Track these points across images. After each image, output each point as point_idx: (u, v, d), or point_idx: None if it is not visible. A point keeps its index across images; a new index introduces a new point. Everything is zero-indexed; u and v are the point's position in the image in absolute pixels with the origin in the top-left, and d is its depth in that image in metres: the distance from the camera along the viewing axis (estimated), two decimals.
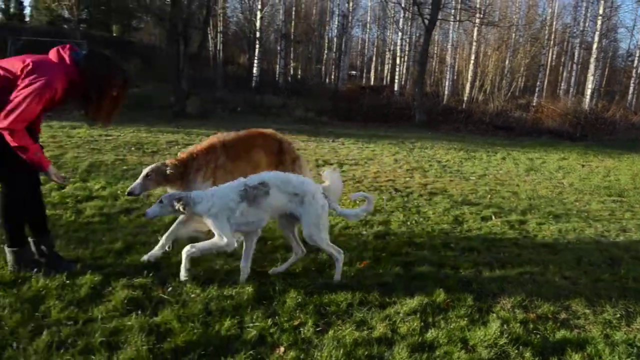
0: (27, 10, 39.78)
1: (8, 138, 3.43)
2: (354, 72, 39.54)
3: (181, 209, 3.78)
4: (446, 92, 26.77)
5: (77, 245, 4.49)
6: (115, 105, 3.85)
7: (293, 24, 32.82)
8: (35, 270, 3.80)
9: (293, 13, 32.81)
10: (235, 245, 3.94)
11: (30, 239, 3.99)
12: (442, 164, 10.87)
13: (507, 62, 26.87)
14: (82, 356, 2.89)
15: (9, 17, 38.70)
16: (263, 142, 4.88)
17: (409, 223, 6.03)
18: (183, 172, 4.43)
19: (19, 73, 3.46)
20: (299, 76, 34.00)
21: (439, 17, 21.36)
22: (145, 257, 4.19)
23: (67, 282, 3.72)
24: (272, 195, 3.90)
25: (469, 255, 5.08)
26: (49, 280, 3.70)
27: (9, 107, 3.38)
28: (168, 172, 4.29)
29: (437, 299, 3.92)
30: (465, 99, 25.17)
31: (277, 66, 30.24)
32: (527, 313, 3.84)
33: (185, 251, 3.87)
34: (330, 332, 3.35)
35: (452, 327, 3.55)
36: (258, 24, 26.31)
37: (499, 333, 3.47)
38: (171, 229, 4.37)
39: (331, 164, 9.55)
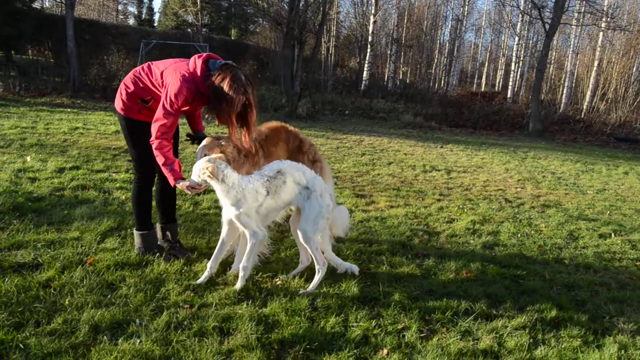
0: (156, 16, 43.58)
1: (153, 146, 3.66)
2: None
3: (207, 179, 3.55)
4: (563, 101, 25.34)
5: (195, 234, 4.78)
6: (232, 121, 3.70)
7: (405, 28, 32.69)
8: (158, 254, 4.11)
9: (405, 17, 32.68)
10: (266, 233, 3.86)
11: (158, 225, 4.33)
12: (557, 175, 10.32)
13: (634, 69, 24.83)
14: (196, 338, 3.08)
15: (140, 22, 42.53)
16: (286, 137, 4.61)
17: (519, 235, 5.81)
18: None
19: (159, 78, 3.74)
20: (408, 80, 33.77)
21: (561, 21, 20.22)
22: (199, 281, 3.83)
23: (185, 268, 3.98)
24: (287, 185, 3.75)
25: (584, 273, 4.81)
26: (169, 265, 3.98)
27: (153, 119, 3.64)
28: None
29: (548, 315, 3.76)
30: (585, 108, 23.70)
31: (387, 70, 30.27)
32: None
33: (241, 277, 3.76)
34: (435, 339, 3.32)
35: (563, 346, 3.39)
36: (371, 28, 26.47)
37: (615, 358, 3.27)
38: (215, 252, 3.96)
39: (438, 170, 9.39)
